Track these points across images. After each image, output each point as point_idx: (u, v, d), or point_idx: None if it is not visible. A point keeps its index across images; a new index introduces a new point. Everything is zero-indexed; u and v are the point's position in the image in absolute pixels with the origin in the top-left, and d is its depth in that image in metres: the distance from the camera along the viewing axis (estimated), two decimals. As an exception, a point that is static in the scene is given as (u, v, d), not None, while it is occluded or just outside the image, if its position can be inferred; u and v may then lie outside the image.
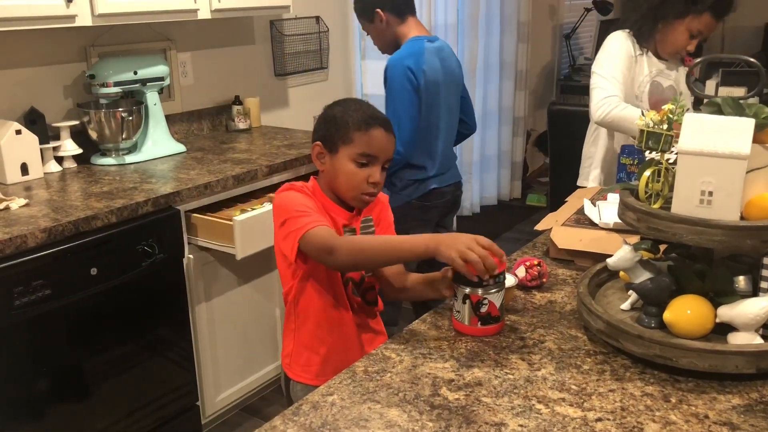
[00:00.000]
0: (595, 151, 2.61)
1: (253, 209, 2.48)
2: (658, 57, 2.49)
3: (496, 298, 1.35)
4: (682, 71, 2.57)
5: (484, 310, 1.34)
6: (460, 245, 1.30)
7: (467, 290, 1.35)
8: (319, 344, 1.62)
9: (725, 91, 3.57)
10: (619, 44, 2.43)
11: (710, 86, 3.88)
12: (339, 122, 1.56)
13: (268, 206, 2.49)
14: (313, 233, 1.46)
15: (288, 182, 1.63)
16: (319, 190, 1.60)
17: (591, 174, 2.61)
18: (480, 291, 1.34)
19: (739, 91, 3.51)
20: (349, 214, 1.61)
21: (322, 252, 1.45)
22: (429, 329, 1.40)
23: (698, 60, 1.46)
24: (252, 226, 2.38)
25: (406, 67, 2.48)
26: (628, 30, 2.46)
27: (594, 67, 2.43)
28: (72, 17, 2.30)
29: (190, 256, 2.44)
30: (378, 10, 2.58)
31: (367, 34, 2.73)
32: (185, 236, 2.41)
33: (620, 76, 2.37)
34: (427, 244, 1.34)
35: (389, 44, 2.65)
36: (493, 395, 1.15)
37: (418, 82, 2.49)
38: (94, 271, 2.12)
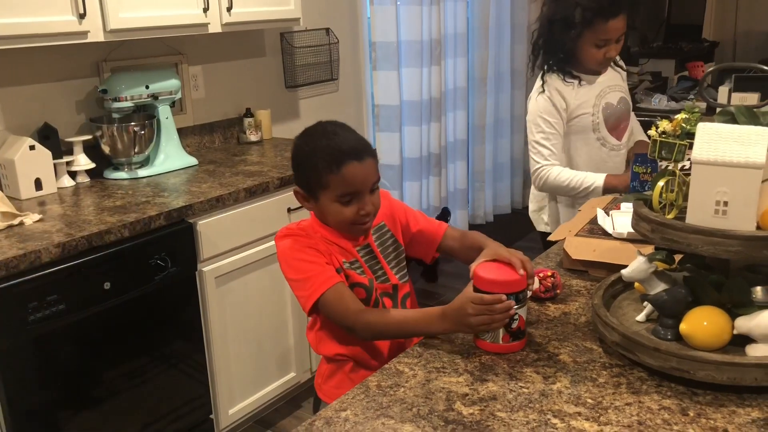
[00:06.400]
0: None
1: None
2: (594, 73, 2.39)
3: (523, 312, 1.34)
4: (613, 73, 2.46)
5: (515, 325, 1.33)
6: (468, 320, 1.31)
7: None
8: (349, 367, 1.59)
9: (738, 98, 3.55)
10: (538, 108, 2.37)
11: (723, 92, 3.86)
12: (309, 165, 1.47)
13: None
14: (328, 303, 1.44)
15: (286, 226, 1.56)
16: (320, 224, 1.54)
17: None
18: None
19: (752, 97, 3.48)
20: (356, 238, 1.56)
21: (341, 325, 1.48)
22: (442, 342, 1.39)
23: (711, 69, 1.46)
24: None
25: None
26: (554, 71, 2.36)
27: (529, 134, 2.44)
28: (84, 33, 2.32)
29: (203, 269, 2.44)
30: None
31: None
32: (198, 249, 2.41)
33: (550, 140, 2.38)
34: (444, 327, 1.37)
35: None
36: (507, 410, 1.14)
37: None
38: (107, 285, 2.12)
